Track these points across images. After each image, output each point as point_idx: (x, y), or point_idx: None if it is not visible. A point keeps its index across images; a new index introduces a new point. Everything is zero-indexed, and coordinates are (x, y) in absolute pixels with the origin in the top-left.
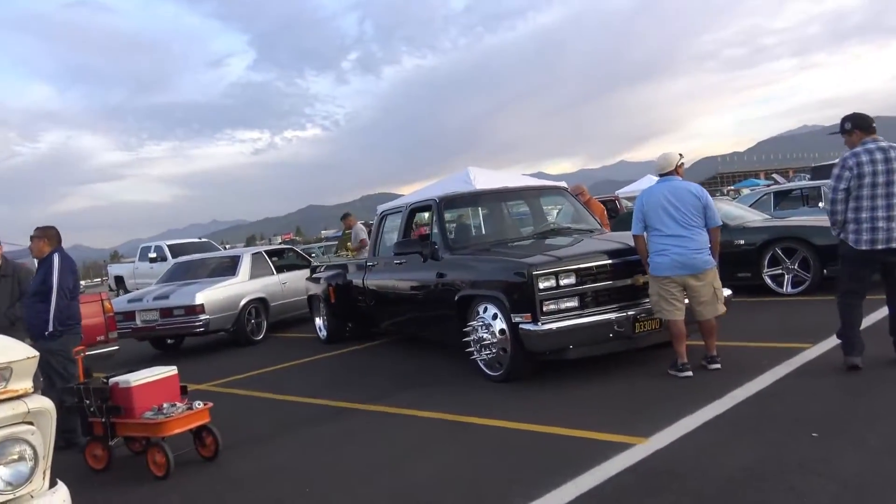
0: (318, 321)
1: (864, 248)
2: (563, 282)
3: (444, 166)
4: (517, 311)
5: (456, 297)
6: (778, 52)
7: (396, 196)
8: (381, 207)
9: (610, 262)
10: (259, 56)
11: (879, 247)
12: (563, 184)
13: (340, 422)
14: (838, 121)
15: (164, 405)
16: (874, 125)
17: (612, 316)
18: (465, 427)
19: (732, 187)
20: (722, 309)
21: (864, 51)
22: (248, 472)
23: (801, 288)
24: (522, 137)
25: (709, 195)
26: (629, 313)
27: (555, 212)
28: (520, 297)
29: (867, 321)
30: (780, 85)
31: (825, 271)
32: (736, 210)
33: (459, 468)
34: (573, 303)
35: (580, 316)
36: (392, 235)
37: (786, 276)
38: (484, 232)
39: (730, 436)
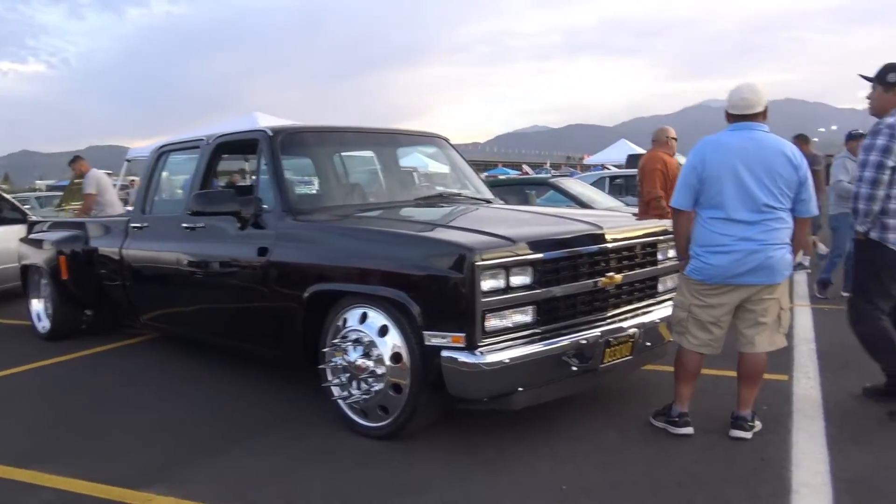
0: (37, 305)
1: None
2: (514, 280)
3: (188, 124)
4: (435, 326)
5: (305, 294)
6: (521, 54)
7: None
8: (156, 144)
9: (576, 249)
10: None
11: None
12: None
13: None
14: (564, 124)
15: None
16: None
17: (581, 338)
18: None
19: (486, 173)
20: (783, 341)
21: (591, 65)
22: None
23: None
24: (276, 104)
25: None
26: (598, 334)
27: (432, 170)
28: (443, 302)
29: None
30: (519, 86)
31: None
32: (587, 191)
33: None
34: (526, 316)
35: (533, 338)
36: (175, 184)
37: None
38: (339, 190)
39: None
